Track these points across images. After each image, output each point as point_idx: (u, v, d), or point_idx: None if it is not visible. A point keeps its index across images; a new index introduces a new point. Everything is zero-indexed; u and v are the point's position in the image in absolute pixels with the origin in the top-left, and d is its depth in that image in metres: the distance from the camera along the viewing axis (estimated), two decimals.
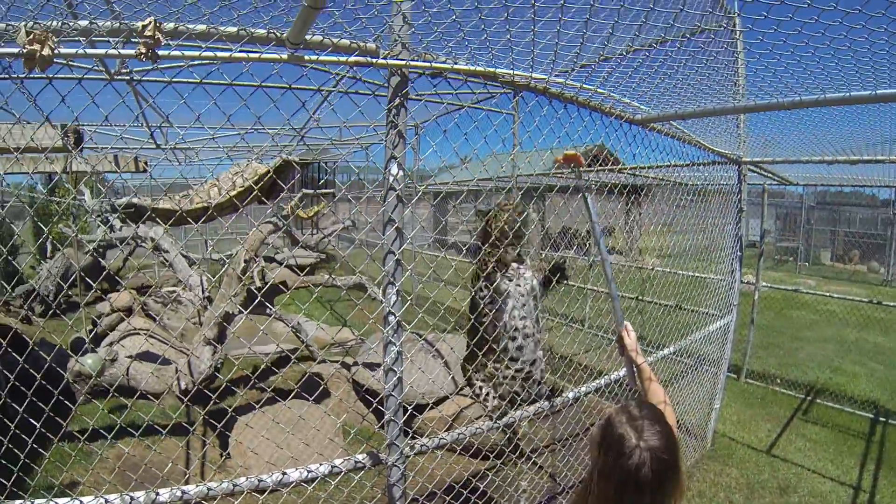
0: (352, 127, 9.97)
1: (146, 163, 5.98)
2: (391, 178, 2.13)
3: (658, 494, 1.54)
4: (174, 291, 7.62)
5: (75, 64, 4.85)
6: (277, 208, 5.61)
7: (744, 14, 2.90)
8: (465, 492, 3.74)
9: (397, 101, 1.96)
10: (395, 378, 2.29)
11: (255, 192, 3.44)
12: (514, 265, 3.04)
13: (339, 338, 7.30)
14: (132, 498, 2.19)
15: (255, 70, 1.83)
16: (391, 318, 2.23)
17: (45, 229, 14.68)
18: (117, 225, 10.52)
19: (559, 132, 2.90)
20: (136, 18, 1.75)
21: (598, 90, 2.74)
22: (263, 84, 1.99)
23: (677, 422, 5.03)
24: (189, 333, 7.58)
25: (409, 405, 2.56)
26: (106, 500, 2.16)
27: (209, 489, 2.24)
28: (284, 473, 2.34)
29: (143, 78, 5.92)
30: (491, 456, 4.66)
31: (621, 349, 2.42)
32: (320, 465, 2.40)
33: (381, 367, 2.33)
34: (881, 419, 6.64)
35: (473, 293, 3.00)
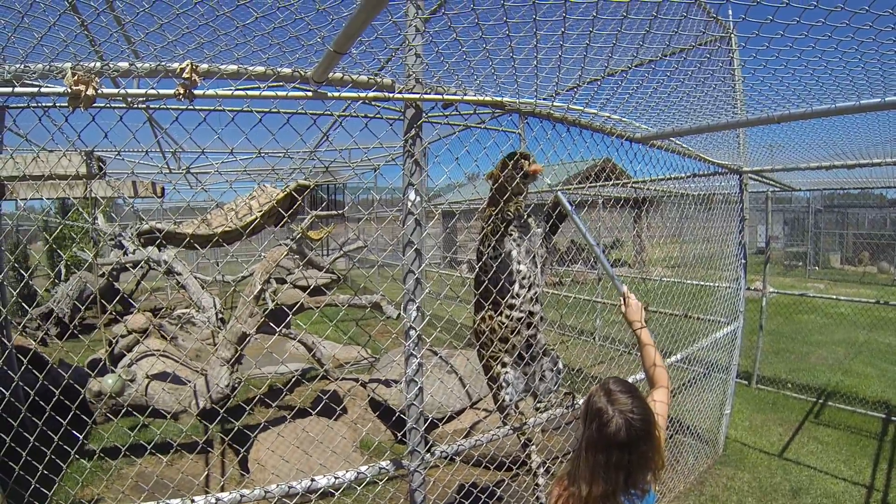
0: (361, 151, 10.20)
1: (163, 188, 6.12)
2: (409, 204, 2.28)
3: (636, 454, 1.82)
4: (188, 313, 7.75)
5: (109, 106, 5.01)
6: (289, 230, 5.75)
7: (738, 33, 3.05)
8: (483, 496, 3.83)
9: (413, 131, 2.12)
10: (416, 388, 2.43)
11: (273, 215, 3.57)
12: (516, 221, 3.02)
13: (352, 357, 7.42)
14: None
15: (279, 104, 1.98)
16: (412, 332, 2.37)
17: (61, 253, 14.98)
18: (130, 248, 10.73)
19: (562, 154, 3.03)
20: (168, 59, 1.90)
21: (600, 112, 2.88)
22: (291, 115, 2.13)
23: (687, 426, 5.12)
24: (203, 354, 7.72)
25: (428, 417, 2.68)
26: None
27: (242, 496, 2.36)
28: (313, 480, 2.46)
29: (160, 106, 6.13)
30: (507, 462, 4.74)
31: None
32: (346, 471, 2.53)
33: (403, 379, 2.45)
34: (894, 418, 6.66)
35: (480, 250, 3.03)
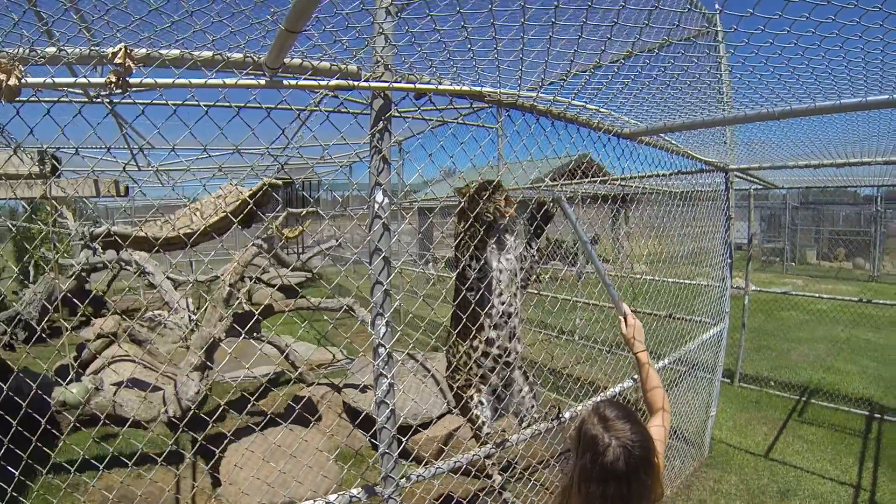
0: (334, 146, 9.96)
1: (127, 187, 5.86)
2: (377, 206, 2.05)
3: (635, 485, 1.64)
4: (160, 315, 7.47)
5: (58, 100, 4.76)
6: (262, 230, 5.53)
7: (724, 29, 2.89)
8: None
9: (381, 125, 1.90)
10: (387, 410, 2.22)
11: (239, 216, 3.36)
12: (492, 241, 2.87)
13: (326, 359, 7.21)
14: None
15: (232, 95, 1.76)
16: (381, 349, 2.16)
17: (28, 253, 14.53)
18: (100, 248, 10.36)
19: (547, 149, 2.85)
20: (108, 44, 1.68)
21: (587, 106, 2.70)
22: (241, 108, 1.92)
23: (674, 430, 5.01)
24: (177, 357, 7.44)
25: (401, 428, 2.49)
26: None
27: None
28: None
29: (123, 101, 5.84)
30: (482, 476, 4.59)
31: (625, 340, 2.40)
32: (315, 501, 2.31)
33: (374, 399, 2.25)
34: (876, 416, 6.64)
35: (456, 273, 2.86)
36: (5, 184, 6.08)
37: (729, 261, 5.23)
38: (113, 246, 3.76)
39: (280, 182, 3.55)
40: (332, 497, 2.33)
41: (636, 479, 1.64)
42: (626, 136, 3.26)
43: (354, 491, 2.36)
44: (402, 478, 2.38)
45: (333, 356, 7.61)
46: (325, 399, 5.88)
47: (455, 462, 2.64)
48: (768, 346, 9.86)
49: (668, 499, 4.87)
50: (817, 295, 8.34)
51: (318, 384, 6.30)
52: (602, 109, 2.87)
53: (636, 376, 3.73)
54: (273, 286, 10.13)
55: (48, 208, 15.16)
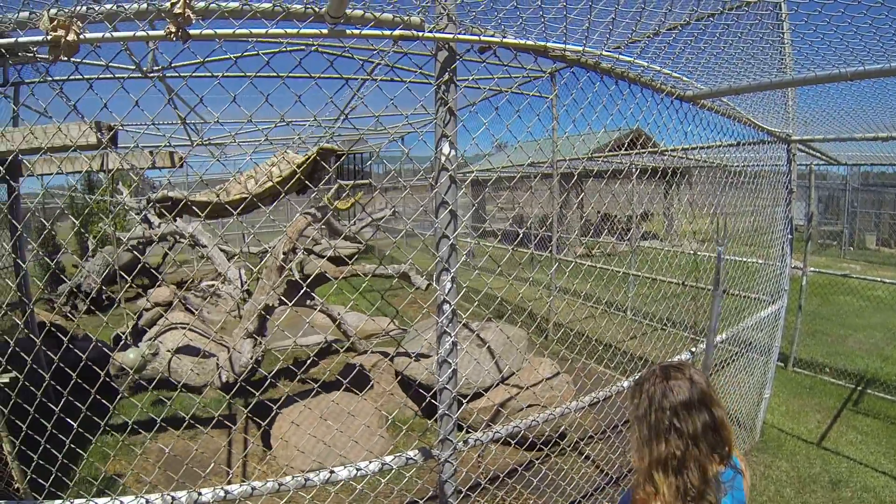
0: (389, 117, 9.98)
1: (182, 158, 5.98)
2: (443, 159, 2.04)
3: (709, 417, 1.61)
4: (213, 285, 7.68)
5: (108, 65, 4.89)
6: (315, 200, 5.59)
7: None
8: (509, 481, 3.66)
9: (446, 76, 1.88)
10: (449, 371, 2.20)
11: (293, 181, 3.38)
12: None
13: (378, 328, 7.28)
14: (174, 498, 2.15)
15: (278, 65, 1.76)
16: (446, 306, 2.14)
17: (84, 231, 15.14)
18: (155, 221, 10.70)
19: (606, 115, 2.76)
20: None
21: (651, 66, 2.61)
22: (302, 55, 1.91)
23: (726, 410, 4.91)
24: (229, 326, 7.66)
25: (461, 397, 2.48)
26: (147, 501, 2.12)
27: (253, 488, 2.18)
28: (332, 472, 2.28)
29: (175, 75, 5.99)
30: (538, 443, 4.59)
31: None
32: (370, 462, 2.33)
33: (434, 358, 2.24)
34: None
35: None
36: (66, 160, 6.31)
37: (790, 237, 5.03)
38: (170, 211, 3.83)
39: (335, 147, 3.55)
40: (388, 458, 2.35)
41: (707, 411, 1.61)
42: (688, 98, 3.14)
43: (411, 453, 2.37)
44: (460, 441, 2.38)
45: (386, 326, 7.68)
46: (378, 368, 5.93)
47: (514, 427, 2.63)
48: (824, 331, 9.52)
49: None
50: (878, 279, 7.98)
51: (371, 352, 6.35)
52: (665, 70, 2.77)
53: (691, 349, 3.65)
54: (324, 258, 10.26)
55: (105, 183, 15.77)
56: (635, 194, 11.95)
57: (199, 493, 2.19)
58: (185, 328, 6.84)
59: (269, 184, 3.81)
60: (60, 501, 2.13)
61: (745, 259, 5.14)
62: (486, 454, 4.78)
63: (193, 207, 3.80)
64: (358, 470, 2.28)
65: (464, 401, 2.48)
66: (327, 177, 3.60)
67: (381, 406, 5.30)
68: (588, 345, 7.21)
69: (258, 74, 1.93)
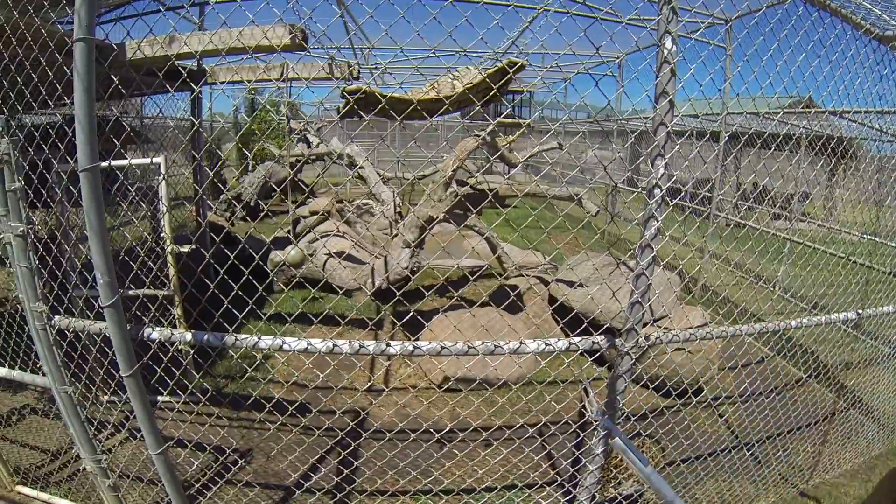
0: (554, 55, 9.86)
1: (359, 70, 6.27)
2: (665, 52, 2.10)
3: None
4: (367, 203, 8.11)
5: None
6: (478, 129, 5.68)
7: None
8: (649, 414, 3.66)
9: None
10: (650, 255, 2.25)
11: (481, 90, 3.46)
12: None
13: (533, 262, 7.36)
14: (361, 345, 2.37)
15: None
16: (657, 191, 2.19)
17: (248, 145, 16.50)
18: (314, 142, 11.41)
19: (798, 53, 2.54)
20: None
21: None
22: None
23: (867, 407, 4.58)
24: (380, 242, 8.08)
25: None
26: (335, 344, 2.35)
27: (415, 347, 2.41)
28: (522, 343, 2.40)
29: None
30: (673, 394, 4.53)
31: None
32: (558, 339, 2.44)
33: (630, 299, 2.30)
34: None
35: None
36: (254, 67, 6.81)
37: None
38: (364, 107, 4.04)
39: (524, 62, 3.58)
40: (576, 339, 2.44)
41: None
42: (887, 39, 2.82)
43: (597, 337, 2.45)
44: (642, 336, 2.42)
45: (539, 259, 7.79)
46: (532, 293, 6.03)
47: (690, 333, 2.63)
48: None
49: (847, 473, 4.48)
50: None
51: (525, 276, 6.45)
52: (864, 3, 2.51)
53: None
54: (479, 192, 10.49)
55: (268, 107, 17.00)
56: (800, 168, 10.99)
57: (388, 344, 2.42)
58: (341, 237, 7.32)
59: (458, 90, 3.92)
60: (249, 336, 2.42)
61: None
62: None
63: (378, 102, 3.97)
64: (547, 344, 2.39)
65: (657, 291, 2.52)
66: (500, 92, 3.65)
67: (532, 327, 5.41)
68: (732, 313, 6.89)
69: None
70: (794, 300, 8.11)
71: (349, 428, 4.23)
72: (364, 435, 3.58)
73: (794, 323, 3.07)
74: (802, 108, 7.50)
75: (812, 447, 4.38)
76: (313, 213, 8.83)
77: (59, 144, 2.61)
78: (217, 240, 2.84)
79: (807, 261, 6.95)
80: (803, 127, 8.68)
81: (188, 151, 8.08)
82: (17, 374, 3.21)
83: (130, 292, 3.96)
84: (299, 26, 3.83)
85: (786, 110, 7.66)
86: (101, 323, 2.44)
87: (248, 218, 13.07)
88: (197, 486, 3.55)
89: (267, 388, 5.07)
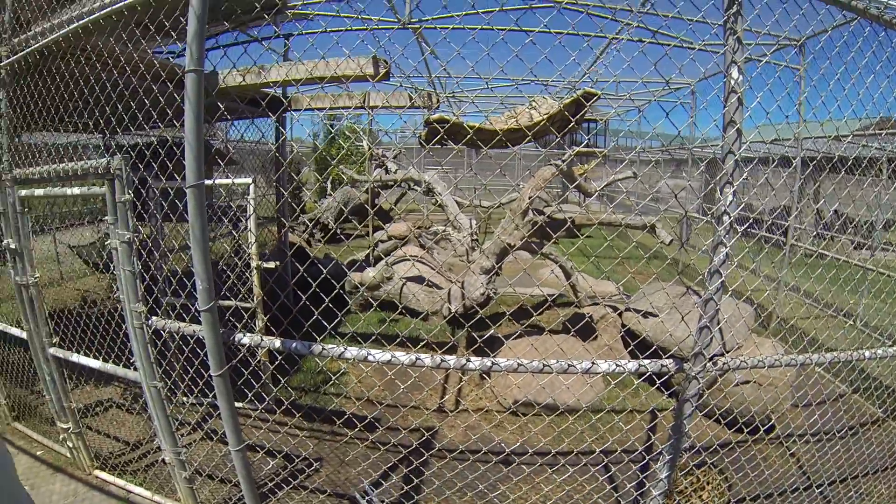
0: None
1: (438, 99, 6.64)
2: (732, 82, 2.29)
3: None
4: (444, 230, 8.46)
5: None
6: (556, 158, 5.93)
7: None
8: (721, 450, 3.70)
9: (734, 8, 2.13)
10: (718, 281, 2.44)
11: (558, 121, 3.69)
12: None
13: (606, 291, 7.51)
14: (443, 359, 2.67)
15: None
16: (725, 218, 2.38)
17: (327, 171, 17.33)
18: (392, 168, 11.93)
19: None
20: None
21: None
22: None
23: None
24: (456, 269, 8.41)
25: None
26: (417, 357, 2.66)
27: (493, 363, 2.66)
28: (594, 363, 2.63)
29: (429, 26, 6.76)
30: (745, 430, 4.55)
31: None
32: (628, 361, 2.66)
33: (708, 269, 2.48)
34: None
35: None
36: (336, 95, 7.30)
37: None
38: (443, 137, 4.34)
39: (598, 92, 3.81)
40: (645, 361, 2.64)
41: None
42: None
43: (666, 361, 2.64)
44: (709, 361, 2.59)
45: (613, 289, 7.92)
46: (605, 320, 6.18)
47: (758, 360, 2.77)
48: None
49: None
50: None
51: (599, 304, 6.60)
52: None
53: None
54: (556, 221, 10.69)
55: (347, 133, 17.81)
56: (885, 194, 10.59)
57: (468, 360, 2.69)
58: (419, 261, 7.68)
59: (534, 121, 4.17)
60: (336, 346, 2.73)
61: None
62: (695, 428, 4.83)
63: (463, 133, 4.25)
64: (617, 365, 2.62)
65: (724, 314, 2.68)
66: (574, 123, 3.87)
67: (603, 354, 5.56)
68: (804, 343, 6.75)
69: (506, 28, 2.27)
70: (875, 335, 7.82)
71: (415, 445, 4.45)
72: (431, 451, 3.82)
73: (867, 353, 3.10)
74: (878, 129, 7.35)
75: (887, 489, 4.30)
76: (391, 237, 9.27)
77: (153, 163, 3.00)
78: (296, 262, 3.19)
79: (890, 292, 6.71)
80: (881, 149, 8.45)
81: (270, 174, 8.65)
82: (110, 367, 3.53)
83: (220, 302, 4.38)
84: (382, 59, 4.20)
85: (861, 132, 7.52)
86: (195, 325, 2.78)
87: (323, 240, 13.75)
88: (270, 485, 3.90)
89: (339, 404, 5.43)
